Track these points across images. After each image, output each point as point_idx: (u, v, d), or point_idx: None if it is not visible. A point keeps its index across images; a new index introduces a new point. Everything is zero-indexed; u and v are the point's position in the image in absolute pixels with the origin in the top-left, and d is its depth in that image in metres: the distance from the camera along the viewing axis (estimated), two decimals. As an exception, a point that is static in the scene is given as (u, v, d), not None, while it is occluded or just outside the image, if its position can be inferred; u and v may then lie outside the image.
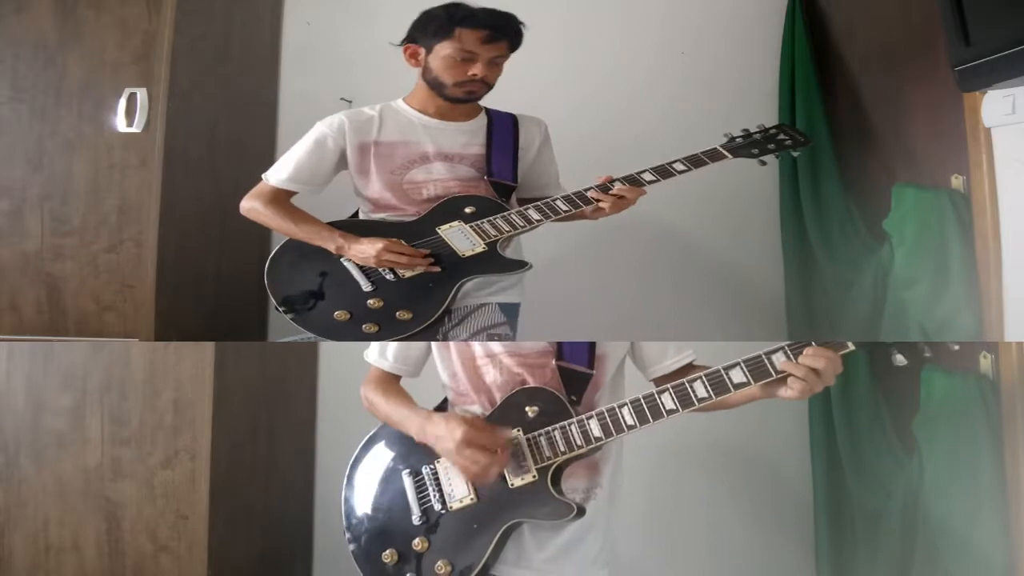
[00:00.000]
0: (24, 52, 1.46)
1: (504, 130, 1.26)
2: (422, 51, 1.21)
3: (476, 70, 1.17)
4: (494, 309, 1.22)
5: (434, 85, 1.21)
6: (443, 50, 1.17)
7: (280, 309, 1.18)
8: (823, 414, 1.52)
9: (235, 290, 1.71)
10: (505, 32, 1.17)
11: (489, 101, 1.31)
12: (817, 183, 1.60)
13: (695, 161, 1.21)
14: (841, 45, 1.65)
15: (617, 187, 1.17)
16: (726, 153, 1.22)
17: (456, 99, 1.21)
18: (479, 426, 0.97)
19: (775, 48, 1.77)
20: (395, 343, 1.12)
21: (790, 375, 0.88)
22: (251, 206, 1.22)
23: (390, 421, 1.08)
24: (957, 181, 1.17)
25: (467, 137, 1.25)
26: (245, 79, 1.79)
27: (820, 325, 1.62)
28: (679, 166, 1.20)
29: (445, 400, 1.11)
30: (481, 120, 1.27)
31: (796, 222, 1.68)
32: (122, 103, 1.44)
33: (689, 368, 1.03)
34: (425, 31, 1.19)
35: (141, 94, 1.44)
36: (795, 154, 1.27)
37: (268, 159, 1.84)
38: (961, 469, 1.08)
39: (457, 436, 0.95)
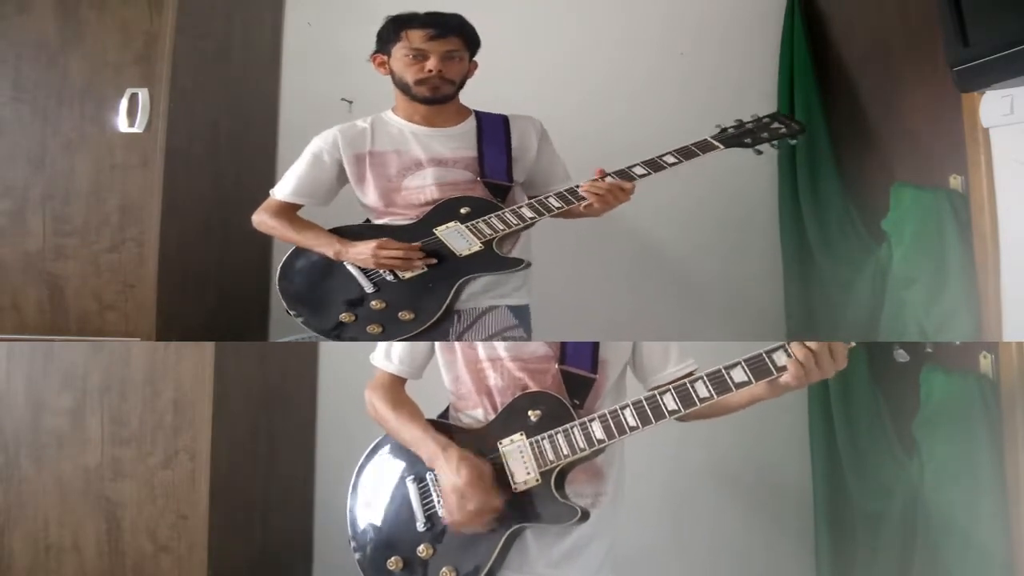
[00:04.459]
0: (26, 52, 1.47)
1: (495, 131, 1.28)
2: (385, 59, 1.26)
3: (431, 65, 1.21)
4: (504, 312, 1.23)
5: (401, 87, 1.25)
6: (397, 52, 1.23)
7: (291, 313, 1.21)
8: (823, 415, 1.52)
9: (237, 289, 1.71)
10: (447, 27, 1.22)
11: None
12: (816, 183, 1.60)
13: (685, 153, 1.19)
14: (840, 46, 1.66)
15: (608, 180, 1.17)
16: (717, 144, 1.20)
17: (424, 99, 1.24)
18: (481, 480, 0.97)
19: (774, 48, 1.78)
20: (400, 345, 1.13)
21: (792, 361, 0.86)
22: (260, 219, 1.29)
23: (398, 438, 1.07)
24: (955, 181, 1.17)
25: (456, 141, 1.26)
26: (246, 79, 1.80)
27: (819, 325, 1.62)
28: (669, 159, 1.19)
29: (448, 406, 1.11)
30: (470, 123, 1.29)
31: (795, 222, 1.68)
32: (124, 103, 1.44)
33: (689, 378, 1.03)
34: (381, 40, 1.26)
35: (143, 94, 1.44)
36: (792, 142, 1.24)
37: (269, 159, 1.86)
38: (961, 469, 1.08)
39: (460, 478, 0.96)
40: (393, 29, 1.24)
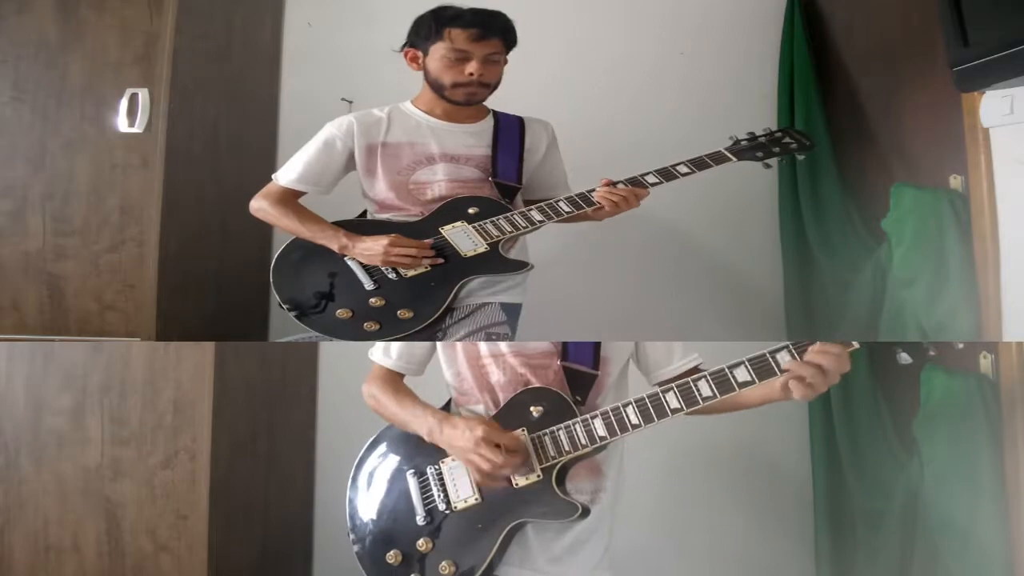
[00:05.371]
0: (26, 52, 1.47)
1: (510, 132, 1.27)
2: (420, 55, 1.23)
3: (472, 69, 1.19)
4: (495, 308, 1.22)
5: (435, 87, 1.23)
6: (437, 51, 1.20)
7: (284, 307, 1.19)
8: (823, 414, 1.52)
9: (237, 289, 1.71)
10: (493, 28, 1.19)
11: (490, 102, 1.31)
12: (816, 183, 1.60)
13: (698, 163, 1.21)
14: (840, 46, 1.66)
15: (620, 187, 1.17)
16: (730, 156, 1.23)
17: (457, 102, 1.22)
18: (496, 427, 0.98)
19: (774, 49, 1.78)
20: (399, 342, 1.13)
21: (796, 375, 0.87)
22: (260, 206, 1.24)
23: (397, 420, 1.07)
24: (956, 181, 1.17)
25: (473, 139, 1.25)
26: (246, 79, 1.80)
27: (819, 325, 1.62)
28: (682, 168, 1.20)
29: (449, 400, 1.11)
30: (488, 122, 1.28)
31: (795, 222, 1.68)
32: (124, 103, 1.44)
33: (694, 373, 1.03)
34: (419, 35, 1.22)
35: (143, 94, 1.44)
36: (800, 157, 1.27)
37: (269, 159, 1.86)
38: (961, 469, 1.08)
39: (477, 434, 0.96)
40: (435, 26, 1.19)
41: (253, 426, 1.52)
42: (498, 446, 0.95)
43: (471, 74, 1.19)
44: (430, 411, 1.04)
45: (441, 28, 1.18)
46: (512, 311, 1.25)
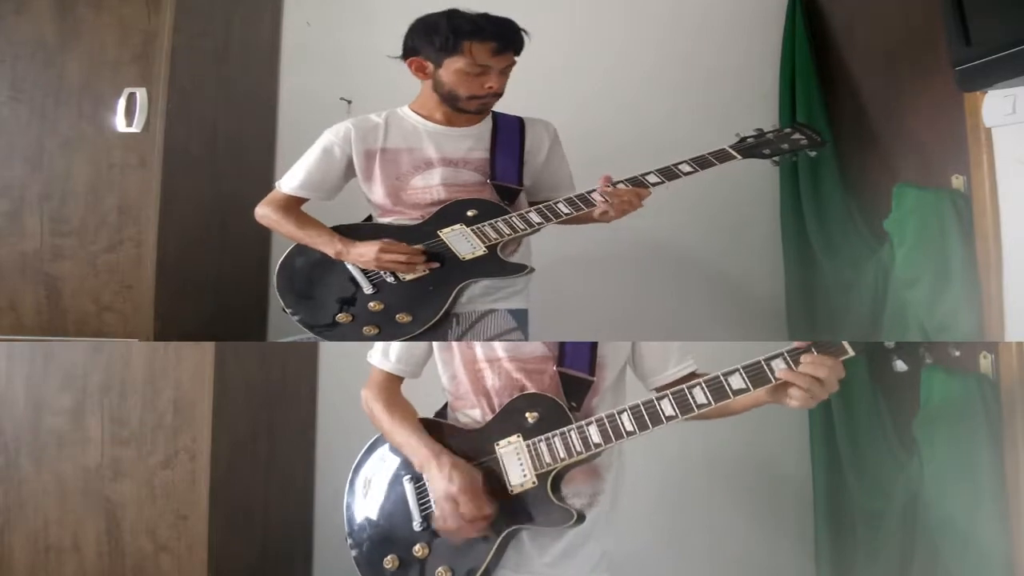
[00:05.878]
0: (24, 52, 1.46)
1: (510, 133, 1.26)
2: (430, 65, 1.20)
3: (491, 83, 1.18)
4: (504, 315, 1.22)
5: (448, 99, 1.21)
6: (454, 64, 1.17)
7: (287, 311, 1.20)
8: (823, 414, 1.52)
9: (235, 290, 1.71)
10: (511, 41, 1.18)
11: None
12: (817, 183, 1.59)
13: (701, 162, 1.18)
14: (841, 45, 1.65)
15: (620, 187, 1.16)
16: (735, 154, 1.20)
17: (469, 111, 1.22)
18: (475, 487, 0.97)
19: (775, 48, 1.77)
20: (397, 344, 1.12)
21: (792, 385, 0.87)
22: (263, 212, 1.26)
23: (391, 440, 1.07)
24: (958, 181, 1.16)
25: (471, 142, 1.25)
26: (245, 79, 1.79)
27: (820, 325, 1.62)
28: (685, 167, 1.18)
29: (446, 404, 1.11)
30: (486, 124, 1.27)
31: (796, 222, 1.68)
32: (121, 103, 1.44)
33: (690, 378, 1.02)
34: (431, 44, 1.18)
35: (140, 94, 1.44)
36: (812, 154, 1.23)
37: (268, 159, 1.85)
38: (961, 469, 1.08)
39: (451, 489, 0.96)
40: (454, 40, 1.15)
41: (253, 426, 1.52)
42: (468, 505, 0.95)
43: (490, 87, 1.18)
44: (423, 442, 1.02)
45: (460, 41, 1.15)
46: (519, 317, 1.25)
